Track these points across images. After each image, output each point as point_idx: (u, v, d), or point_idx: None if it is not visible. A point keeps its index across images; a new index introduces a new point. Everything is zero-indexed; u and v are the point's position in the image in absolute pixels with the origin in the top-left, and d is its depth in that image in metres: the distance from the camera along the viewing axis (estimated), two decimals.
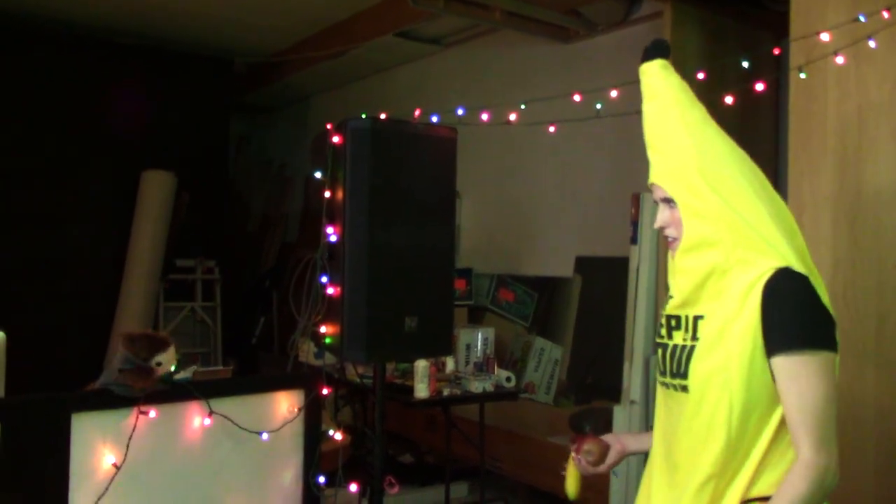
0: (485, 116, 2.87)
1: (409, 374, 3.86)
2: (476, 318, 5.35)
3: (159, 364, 2.44)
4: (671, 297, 1.58)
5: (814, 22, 2.66)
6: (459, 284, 4.99)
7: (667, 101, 1.56)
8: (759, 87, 2.60)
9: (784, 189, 2.84)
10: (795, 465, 1.37)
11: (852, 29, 2.50)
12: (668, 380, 1.55)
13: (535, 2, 4.44)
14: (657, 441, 1.64)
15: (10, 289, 5.46)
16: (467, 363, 4.18)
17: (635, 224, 3.70)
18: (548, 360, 4.87)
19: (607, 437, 1.81)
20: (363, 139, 2.59)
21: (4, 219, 5.56)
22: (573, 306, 4.79)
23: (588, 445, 1.77)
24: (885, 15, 2.43)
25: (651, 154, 1.58)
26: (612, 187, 4.53)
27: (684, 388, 1.49)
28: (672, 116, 1.54)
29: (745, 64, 2.70)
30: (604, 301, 4.52)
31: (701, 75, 2.64)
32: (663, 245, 1.80)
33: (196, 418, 2.59)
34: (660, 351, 1.59)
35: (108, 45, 6.10)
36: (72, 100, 5.86)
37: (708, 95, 2.48)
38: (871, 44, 2.46)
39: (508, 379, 4.02)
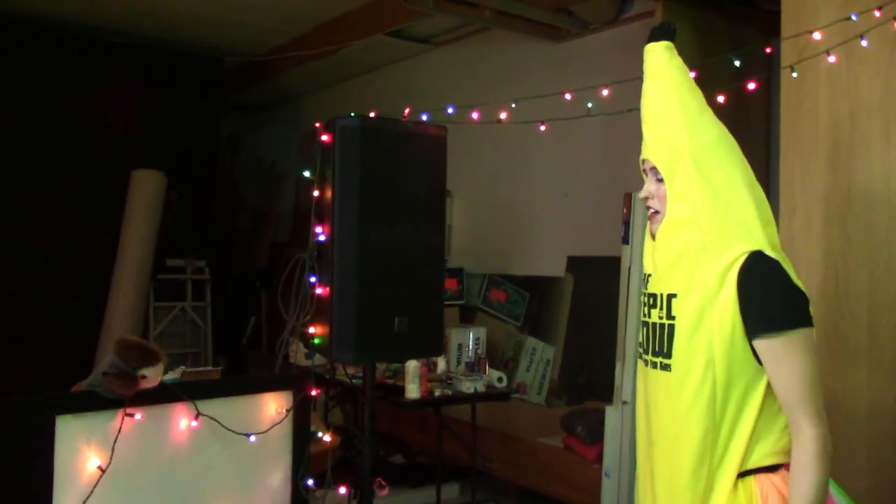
0: (475, 115, 2.84)
1: (400, 374, 3.84)
2: (468, 317, 5.32)
3: (144, 377, 2.41)
4: (650, 274, 1.66)
5: (805, 21, 2.65)
6: (451, 284, 4.97)
7: (667, 82, 1.61)
8: (751, 86, 2.59)
9: (776, 187, 2.83)
10: (800, 446, 1.42)
11: (844, 28, 2.49)
12: (650, 357, 1.60)
13: (525, 0, 4.42)
14: (640, 419, 1.69)
15: None
16: (459, 363, 4.16)
17: (627, 223, 3.69)
18: (539, 360, 4.86)
19: None
20: (352, 137, 2.56)
21: None
22: (565, 306, 4.77)
23: None
24: (877, 14, 2.42)
25: (646, 130, 1.64)
26: (603, 187, 4.52)
27: (666, 367, 1.54)
28: (671, 98, 1.59)
29: (737, 63, 2.69)
30: (596, 301, 4.50)
31: (692, 74, 2.62)
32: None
33: (183, 420, 2.56)
34: (644, 329, 1.64)
35: (97, 43, 6.05)
36: (61, 99, 5.81)
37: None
38: (863, 43, 2.45)
39: (500, 379, 4.00)
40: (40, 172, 5.72)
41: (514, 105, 2.88)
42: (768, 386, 1.46)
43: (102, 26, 5.92)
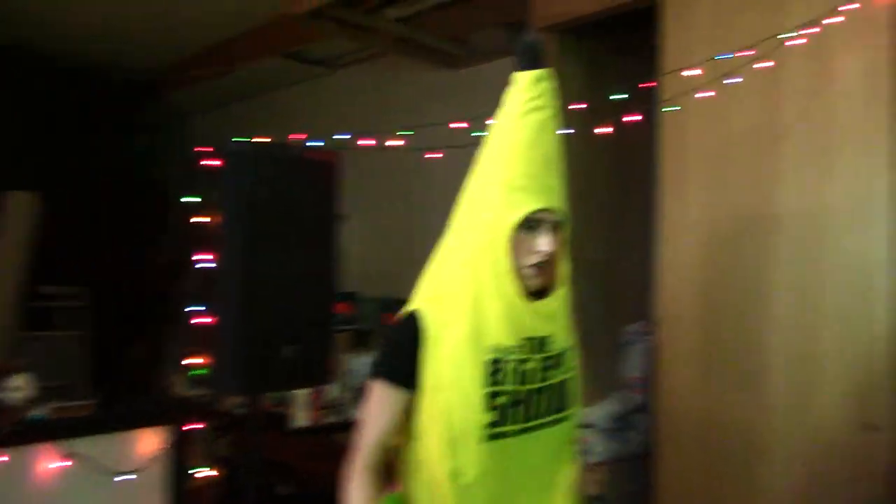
0: (368, 142, 2.82)
1: (286, 402, 3.73)
2: (363, 342, 5.24)
3: (17, 389, 2.24)
4: (546, 336, 1.42)
5: (683, 57, 2.78)
6: (344, 309, 4.89)
7: (557, 122, 1.44)
8: (637, 118, 2.68)
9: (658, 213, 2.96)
10: None
11: (718, 65, 2.62)
12: (537, 422, 1.41)
13: (422, 28, 4.45)
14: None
15: None
16: (349, 389, 4.08)
17: None
18: None
19: None
20: (240, 162, 2.49)
21: None
22: None
23: None
24: (749, 53, 2.57)
25: (550, 177, 1.42)
26: None
27: (563, 420, 1.46)
28: (560, 143, 1.47)
29: (623, 96, 2.78)
30: None
31: (583, 105, 2.71)
32: None
33: (52, 460, 2.38)
34: (534, 398, 1.41)
35: None
36: None
37: (589, 127, 2.57)
38: (734, 80, 2.59)
39: None
40: None
41: (402, 133, 2.87)
42: None
43: None
